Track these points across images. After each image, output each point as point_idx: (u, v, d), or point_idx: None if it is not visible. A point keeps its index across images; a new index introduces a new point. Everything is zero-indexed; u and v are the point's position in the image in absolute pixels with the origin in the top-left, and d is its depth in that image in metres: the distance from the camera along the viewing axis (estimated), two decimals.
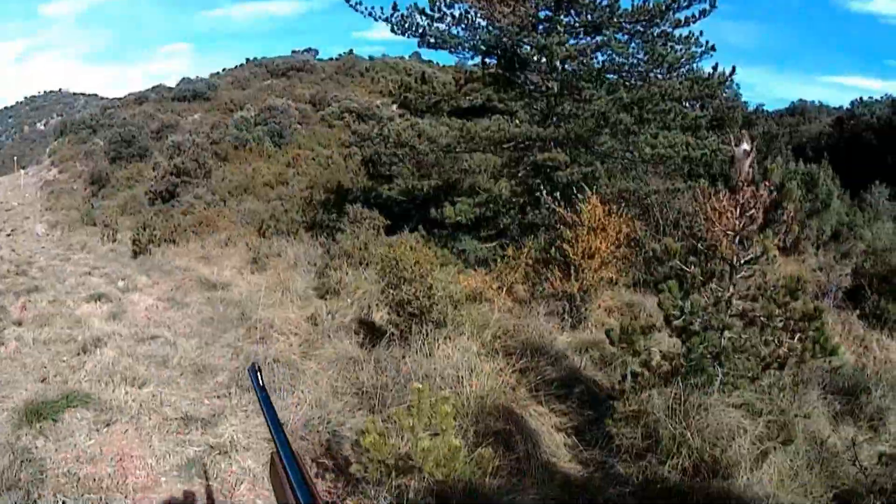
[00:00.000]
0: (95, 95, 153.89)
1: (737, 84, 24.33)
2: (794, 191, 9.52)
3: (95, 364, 10.72)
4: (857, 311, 15.09)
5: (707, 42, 19.20)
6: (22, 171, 64.64)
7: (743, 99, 33.02)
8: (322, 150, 36.67)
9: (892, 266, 15.60)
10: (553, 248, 15.21)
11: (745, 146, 9.19)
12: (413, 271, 11.79)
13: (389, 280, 12.14)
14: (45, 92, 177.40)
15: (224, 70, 76.31)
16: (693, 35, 19.19)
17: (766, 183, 9.10)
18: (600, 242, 14.35)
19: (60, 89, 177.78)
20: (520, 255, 15.84)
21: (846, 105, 43.77)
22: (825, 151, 28.40)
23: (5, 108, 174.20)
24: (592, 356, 12.09)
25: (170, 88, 69.11)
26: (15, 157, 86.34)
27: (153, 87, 73.22)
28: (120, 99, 78.50)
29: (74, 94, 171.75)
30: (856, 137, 35.37)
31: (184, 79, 71.33)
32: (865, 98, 41.76)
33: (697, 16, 18.92)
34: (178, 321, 14.41)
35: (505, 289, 15.07)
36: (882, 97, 41.12)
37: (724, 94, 22.97)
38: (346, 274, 16.17)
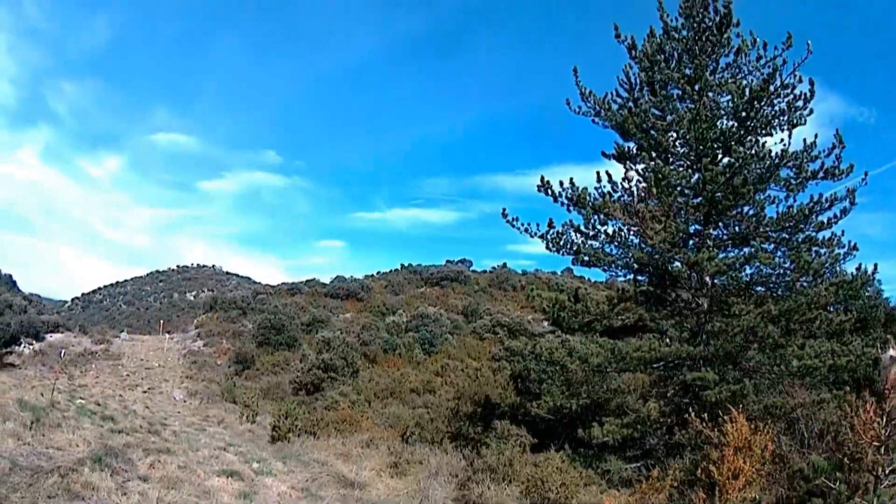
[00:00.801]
0: (248, 278, 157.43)
1: (879, 280, 23.96)
2: None
3: None
4: None
5: (850, 242, 19.32)
6: (167, 336, 65.86)
7: (885, 294, 32.35)
8: (471, 361, 36.80)
9: None
10: (698, 469, 15.13)
11: (893, 352, 9.15)
12: (559, 492, 11.82)
13: (533, 499, 12.15)
14: (197, 265, 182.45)
15: (378, 273, 77.70)
16: (836, 236, 19.34)
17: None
18: (745, 462, 14.24)
19: (214, 265, 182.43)
20: (665, 475, 15.75)
21: None
22: None
23: (157, 271, 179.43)
24: None
25: (323, 284, 70.45)
26: (161, 321, 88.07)
27: (307, 281, 74.85)
28: (273, 286, 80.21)
29: (228, 273, 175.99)
30: None
31: (337, 276, 72.89)
32: None
33: (839, 215, 19.05)
34: None
35: None
36: None
37: (867, 293, 22.61)
38: (489, 489, 15.99)
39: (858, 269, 19.20)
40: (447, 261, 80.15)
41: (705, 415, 15.68)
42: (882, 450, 9.21)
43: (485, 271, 75.83)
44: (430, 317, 46.05)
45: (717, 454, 14.36)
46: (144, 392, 37.96)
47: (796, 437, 18.22)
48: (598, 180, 20.12)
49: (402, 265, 78.74)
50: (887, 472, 9.20)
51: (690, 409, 16.84)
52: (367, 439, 22.37)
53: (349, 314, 56.95)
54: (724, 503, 13.88)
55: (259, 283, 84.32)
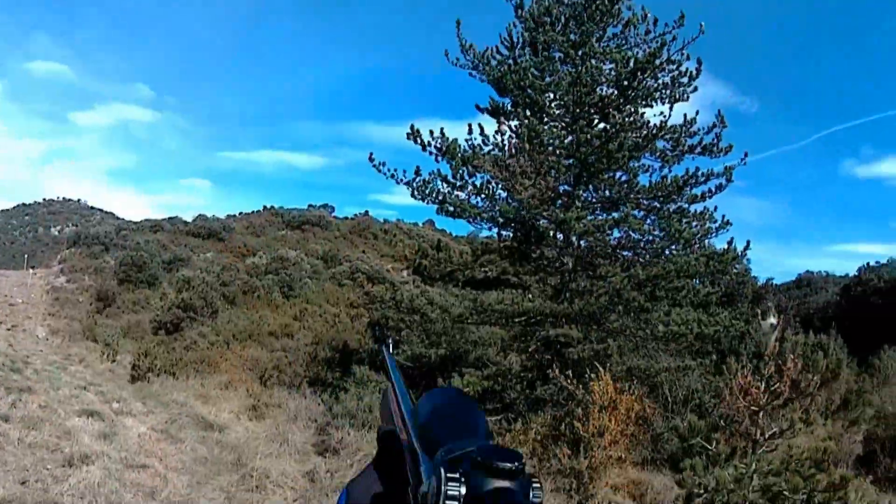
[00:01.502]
0: (112, 214, 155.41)
1: (747, 259, 24.38)
2: (820, 362, 9.57)
3: (80, 480, 10.46)
4: (871, 477, 14.89)
5: (723, 217, 19.46)
6: (31, 271, 64.73)
7: (752, 273, 33.07)
8: (330, 307, 36.68)
9: None
10: (563, 425, 15.11)
11: (773, 320, 9.19)
12: None
13: None
14: (63, 199, 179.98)
15: (241, 213, 77.17)
16: (708, 211, 19.47)
17: (793, 357, 9.06)
18: (611, 420, 14.26)
19: (80, 200, 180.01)
20: (528, 430, 15.70)
21: (852, 272, 44.14)
22: (833, 321, 28.47)
23: (24, 205, 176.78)
24: None
25: (185, 222, 69.65)
26: (26, 256, 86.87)
27: (169, 218, 73.84)
28: (136, 223, 79.09)
29: (92, 207, 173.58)
30: (863, 303, 35.74)
31: (200, 215, 72.07)
32: (872, 263, 42.13)
33: (713, 191, 19.22)
34: (170, 454, 14.02)
35: None
36: (888, 261, 41.48)
37: (735, 270, 22.91)
38: (349, 434, 15.85)
39: (730, 244, 19.34)
40: (310, 205, 79.65)
41: (569, 372, 15.67)
42: (760, 415, 9.17)
43: (346, 218, 75.38)
44: (290, 260, 45.77)
45: (582, 412, 14.33)
46: (8, 330, 36.91)
47: (660, 401, 18.40)
48: (470, 132, 19.80)
49: (265, 207, 77.79)
50: (766, 436, 9.15)
51: (554, 366, 16.88)
52: (225, 381, 22.18)
53: (210, 254, 56.42)
54: (590, 460, 13.86)
55: (123, 219, 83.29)
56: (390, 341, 2.70)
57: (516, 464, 1.58)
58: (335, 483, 12.90)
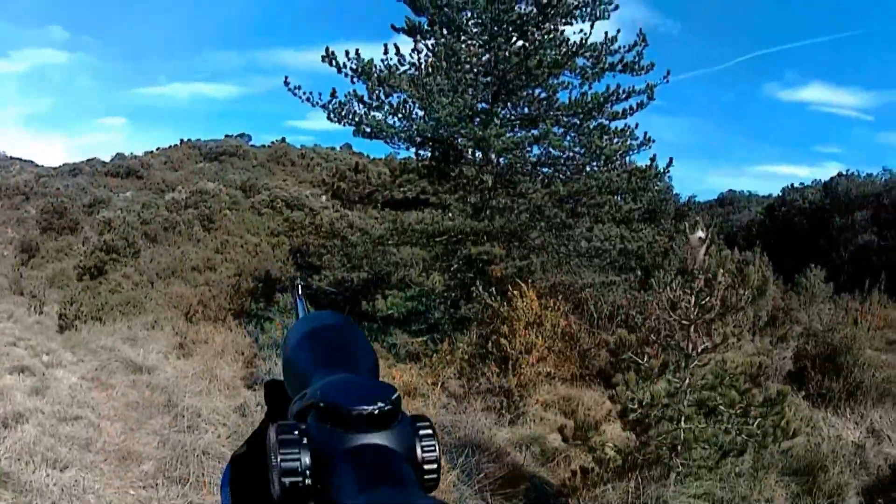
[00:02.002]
0: (32, 162, 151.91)
1: (669, 177, 24.55)
2: (751, 276, 9.54)
3: (16, 441, 10.28)
4: (802, 393, 15.33)
5: (645, 134, 19.42)
6: None
7: (675, 191, 33.28)
8: (251, 237, 36.51)
9: (833, 346, 15.74)
10: (489, 343, 15.10)
11: (701, 234, 9.14)
12: None
13: None
14: None
15: (158, 149, 75.96)
16: (629, 128, 19.38)
17: (723, 271, 9.05)
18: (537, 337, 14.28)
19: None
20: (454, 349, 15.69)
21: (775, 192, 44.44)
22: (757, 239, 28.73)
23: None
24: (534, 451, 12.07)
25: (104, 163, 68.68)
26: None
27: (88, 160, 72.72)
28: (55, 168, 77.83)
29: (11, 157, 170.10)
30: (788, 223, 36.05)
31: (118, 154, 70.98)
32: (796, 184, 42.44)
33: (634, 108, 19.13)
34: (102, 403, 13.87)
35: (440, 384, 14.88)
36: (812, 182, 41.78)
37: (657, 187, 22.99)
38: (276, 364, 15.76)
39: (652, 160, 19.42)
40: (226, 135, 78.40)
41: (492, 289, 15.66)
42: (691, 329, 9.15)
43: (264, 146, 74.54)
44: (209, 193, 45.39)
45: (507, 328, 14.33)
46: None
47: (585, 317, 18.44)
48: (385, 52, 19.49)
49: (182, 140, 76.66)
50: (699, 350, 9.14)
51: (477, 284, 16.94)
52: (151, 321, 22.01)
53: (129, 193, 55.81)
54: (519, 377, 13.88)
55: (42, 165, 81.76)
56: (299, 283, 2.00)
57: (381, 405, 1.05)
58: None
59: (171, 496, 9.49)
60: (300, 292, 1.83)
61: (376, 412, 1.03)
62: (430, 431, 1.09)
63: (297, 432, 1.02)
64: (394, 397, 1.07)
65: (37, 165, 74.87)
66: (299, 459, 0.99)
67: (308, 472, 0.99)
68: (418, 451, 1.07)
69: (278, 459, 0.99)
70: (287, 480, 0.97)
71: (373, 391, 1.08)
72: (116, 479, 10.11)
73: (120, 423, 12.53)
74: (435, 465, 1.07)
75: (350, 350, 1.36)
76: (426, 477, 1.06)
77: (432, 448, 1.07)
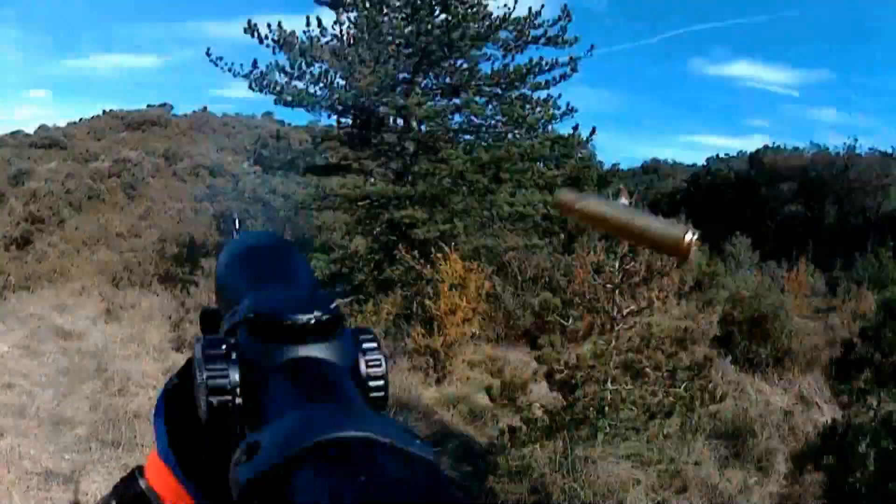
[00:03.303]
0: None
1: (593, 145, 24.72)
2: None
3: None
4: (729, 357, 15.64)
5: (567, 104, 19.66)
6: None
7: (598, 159, 33.54)
8: (174, 204, 36.28)
9: (760, 312, 16.07)
10: (414, 304, 15.31)
11: (624, 200, 9.29)
12: None
13: None
14: None
15: (81, 120, 74.66)
16: (552, 97, 19.62)
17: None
18: (461, 298, 14.49)
19: None
20: (379, 310, 15.88)
21: (701, 163, 44.75)
22: (682, 206, 29.10)
23: None
24: (461, 411, 12.28)
25: (28, 135, 67.62)
26: None
27: (12, 133, 71.60)
28: None
29: None
30: (713, 191, 36.45)
31: (41, 126, 69.92)
32: (722, 155, 42.85)
33: (557, 79, 19.47)
34: (33, 370, 13.98)
35: None
36: (738, 153, 42.22)
37: (580, 155, 23.24)
38: None
39: (575, 129, 19.72)
40: (148, 105, 77.34)
41: (415, 252, 15.87)
42: (616, 293, 9.41)
43: (185, 115, 73.64)
44: (131, 161, 44.97)
45: (432, 290, 14.55)
46: None
47: (509, 279, 18.69)
48: (308, 24, 19.54)
49: (104, 111, 75.30)
50: (624, 314, 9.40)
51: (400, 246, 17.16)
52: (79, 288, 21.90)
53: (53, 163, 54.96)
54: (444, 337, 14.12)
55: None
56: (235, 217, 1.71)
57: (318, 314, 0.94)
58: None
59: (105, 459, 9.63)
60: (237, 227, 1.69)
61: (313, 322, 0.93)
62: (374, 345, 0.98)
63: (224, 346, 0.90)
64: (332, 306, 0.96)
65: None
66: (227, 376, 0.88)
67: (237, 390, 0.88)
68: (362, 365, 0.96)
69: (204, 376, 0.88)
70: (214, 399, 0.87)
71: (309, 300, 0.97)
72: (51, 444, 10.23)
73: (52, 390, 12.62)
74: (382, 382, 0.96)
75: (286, 265, 1.28)
76: (372, 395, 0.96)
77: (378, 362, 0.97)
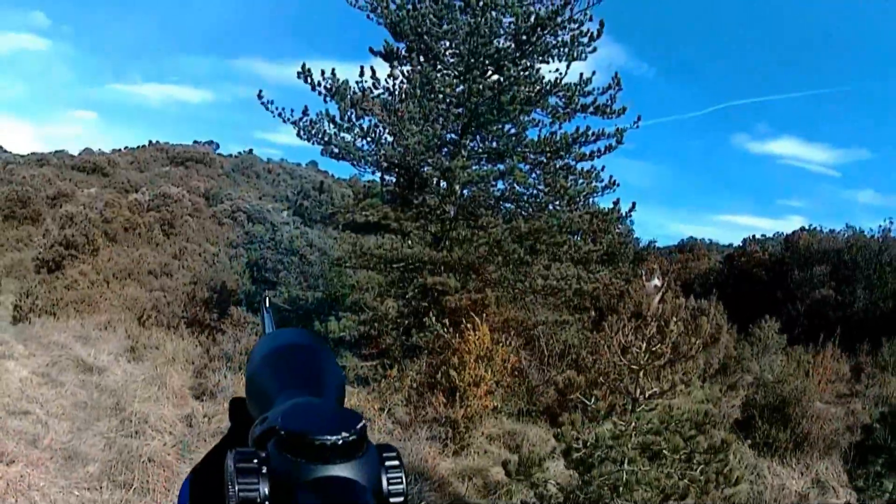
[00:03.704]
0: (1, 148, 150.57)
1: (631, 220, 24.76)
2: (704, 326, 9.63)
3: None
4: (749, 441, 15.63)
5: (610, 177, 19.57)
6: None
7: (635, 235, 33.49)
8: (209, 246, 36.40)
9: (782, 397, 15.96)
10: (439, 373, 15.20)
11: (657, 281, 9.24)
12: None
13: None
14: None
15: (126, 148, 75.32)
16: (595, 170, 19.55)
17: (676, 319, 9.15)
18: (486, 370, 14.39)
19: None
20: (403, 377, 15.79)
21: (736, 242, 44.67)
22: (715, 287, 28.95)
23: None
24: (476, 484, 12.19)
25: (71, 156, 68.07)
26: None
27: (55, 152, 72.21)
28: (23, 156, 77.18)
29: None
30: (746, 273, 36.33)
31: (86, 149, 70.55)
32: (758, 236, 42.74)
33: (602, 151, 19.30)
34: (51, 400, 13.95)
35: (386, 410, 14.98)
36: (774, 234, 42.08)
37: (618, 230, 23.20)
38: (225, 377, 15.84)
39: (615, 203, 19.58)
40: (195, 141, 77.68)
41: (445, 320, 15.77)
42: (641, 374, 9.30)
43: (231, 155, 73.98)
44: (172, 197, 45.16)
45: (458, 360, 14.44)
46: None
47: (536, 353, 18.56)
48: (361, 75, 19.52)
49: (150, 142, 75.93)
50: (647, 395, 9.29)
51: (430, 313, 17.05)
52: (105, 321, 21.94)
53: (94, 189, 55.35)
54: (465, 409, 13.99)
55: (10, 152, 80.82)
56: (267, 296, 2.01)
57: (346, 434, 0.99)
58: (213, 427, 12.96)
59: (115, 500, 9.59)
60: (268, 307, 1.82)
61: (340, 443, 0.98)
62: (396, 463, 1.04)
63: (256, 461, 0.97)
64: (359, 426, 1.01)
65: (5, 151, 73.88)
66: (258, 489, 0.95)
67: (267, 503, 0.95)
68: (384, 482, 1.02)
69: (236, 489, 0.95)
70: None
71: (337, 419, 1.02)
72: (61, 478, 10.18)
73: (67, 422, 12.61)
74: (401, 499, 1.02)
75: (316, 372, 1.32)
76: None
77: (398, 480, 1.02)
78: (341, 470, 0.98)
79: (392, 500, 1.01)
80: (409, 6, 19.61)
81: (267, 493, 0.95)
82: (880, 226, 34.48)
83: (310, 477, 0.97)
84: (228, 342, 18.08)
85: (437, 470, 12.52)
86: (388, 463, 1.03)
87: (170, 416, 13.69)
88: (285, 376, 1.26)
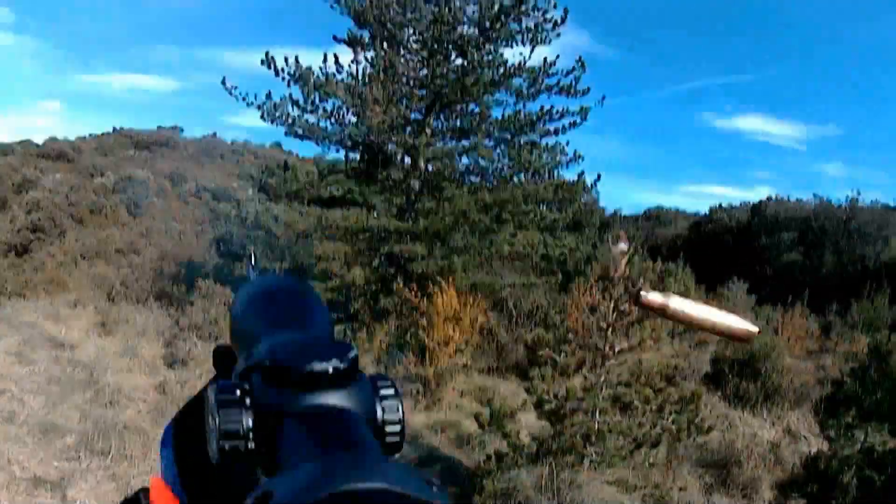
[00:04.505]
0: None
1: (596, 191, 24.93)
2: (670, 286, 9.87)
3: None
4: (719, 393, 15.99)
5: (575, 151, 19.87)
6: None
7: (601, 204, 33.66)
8: (176, 224, 36.29)
9: (752, 352, 16.15)
10: (408, 335, 15.40)
11: (623, 246, 9.43)
12: None
13: None
14: None
15: (90, 135, 74.64)
16: (560, 145, 19.85)
17: (643, 279, 9.38)
18: (455, 332, 14.59)
19: None
20: (373, 338, 15.98)
21: (704, 211, 44.81)
22: (682, 252, 29.22)
23: None
24: (449, 436, 12.35)
25: (37, 145, 67.52)
26: None
27: (21, 142, 71.61)
28: None
29: None
30: (713, 239, 36.58)
31: (51, 137, 69.97)
32: (724, 204, 42.94)
33: (567, 127, 19.65)
34: (25, 377, 13.98)
35: None
36: (741, 203, 42.29)
37: (584, 200, 23.36)
38: (195, 346, 15.99)
39: (580, 175, 19.84)
40: (158, 126, 77.11)
41: (413, 285, 15.95)
42: (609, 331, 9.52)
43: (195, 139, 73.55)
44: (137, 179, 44.99)
45: (427, 321, 14.67)
46: None
47: (504, 314, 18.78)
48: (325, 61, 19.75)
49: (115, 128, 75.18)
50: (616, 351, 9.52)
51: (397, 278, 17.47)
52: (74, 299, 21.91)
53: (59, 175, 54.95)
54: (436, 367, 14.22)
55: None
56: (251, 253, 1.82)
57: (336, 362, 0.93)
58: (186, 393, 13.03)
59: (94, 468, 9.66)
60: (254, 263, 1.74)
61: (330, 371, 0.92)
62: (392, 391, 0.97)
63: (238, 391, 0.90)
64: (350, 355, 0.94)
65: None
66: (241, 421, 0.88)
67: (250, 435, 0.88)
68: (379, 411, 0.95)
69: (217, 422, 0.88)
70: (226, 444, 0.87)
71: (326, 349, 0.95)
72: (40, 451, 10.26)
73: (42, 398, 12.64)
74: (398, 427, 0.95)
75: (302, 310, 1.24)
76: (388, 440, 0.95)
77: (395, 408, 0.95)
78: (332, 398, 0.92)
79: (388, 427, 0.95)
80: None
81: (251, 424, 0.88)
82: (847, 195, 34.82)
83: (298, 407, 0.90)
84: (198, 313, 18.09)
85: (409, 424, 12.65)
86: (382, 392, 0.96)
87: (143, 384, 13.80)
88: (270, 316, 1.17)
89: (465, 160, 20.64)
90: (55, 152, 61.53)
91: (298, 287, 1.33)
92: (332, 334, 1.22)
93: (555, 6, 19.12)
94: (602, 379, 9.57)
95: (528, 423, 10.61)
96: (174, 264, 25.38)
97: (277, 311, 1.19)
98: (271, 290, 1.30)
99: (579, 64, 19.62)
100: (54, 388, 13.37)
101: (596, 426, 9.36)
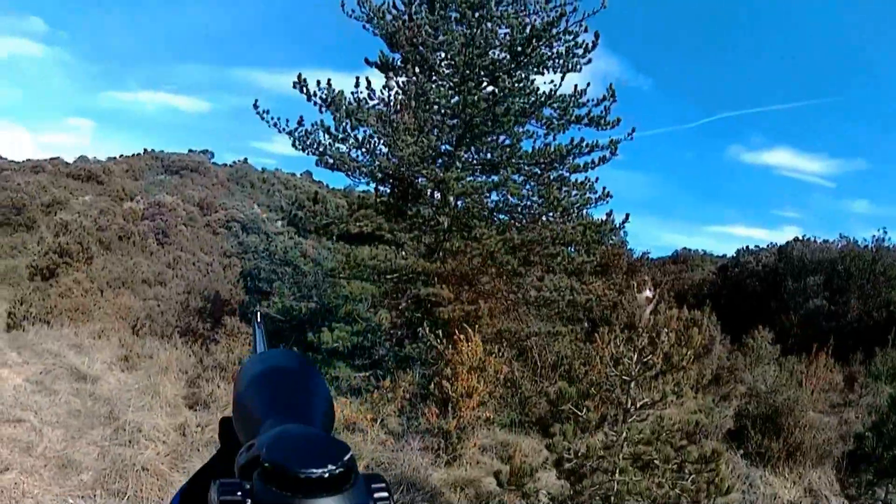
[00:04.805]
0: None
1: (625, 231, 24.81)
2: (696, 337, 9.68)
3: None
4: (741, 451, 15.66)
5: (604, 189, 19.54)
6: None
7: (629, 246, 33.48)
8: (203, 255, 36.38)
9: (775, 407, 16.03)
10: (431, 384, 15.25)
11: (648, 293, 9.36)
12: None
13: None
14: None
15: (121, 156, 75.02)
16: (589, 181, 19.56)
17: (668, 331, 9.22)
18: (479, 382, 14.43)
19: None
20: (396, 387, 15.83)
21: (730, 253, 44.63)
22: (708, 298, 29.00)
23: None
24: (468, 494, 12.23)
25: (67, 164, 67.91)
26: None
27: (51, 159, 71.94)
28: (18, 163, 76.88)
29: None
30: (740, 284, 36.34)
31: (81, 157, 70.42)
32: (751, 246, 42.71)
33: (596, 162, 19.35)
34: (45, 408, 13.95)
35: (379, 420, 15.01)
36: (768, 245, 42.03)
37: (612, 241, 23.26)
38: (218, 387, 15.88)
39: (608, 215, 19.59)
40: (189, 150, 77.43)
41: (438, 331, 15.80)
42: (632, 385, 9.37)
43: (226, 165, 73.65)
44: (166, 206, 45.11)
45: (450, 371, 14.49)
46: None
47: (529, 364, 18.59)
48: (357, 85, 19.75)
49: (145, 150, 75.60)
50: (638, 406, 9.36)
51: (423, 324, 17.11)
52: (98, 330, 21.96)
53: (88, 197, 55.23)
54: (458, 420, 14.04)
55: (5, 158, 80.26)
56: (259, 311, 2.10)
57: (331, 467, 0.96)
58: (206, 437, 12.98)
59: None
60: (260, 321, 1.80)
61: (327, 476, 0.95)
62: (385, 494, 1.01)
63: (239, 493, 0.94)
64: (346, 458, 0.98)
65: (1, 158, 73.40)
66: None
67: None
68: None
69: None
70: None
71: (324, 451, 0.98)
72: (55, 485, 10.22)
73: (61, 430, 12.62)
74: None
75: (304, 397, 1.29)
76: None
77: None
78: (328, 503, 0.94)
79: None
80: (405, 17, 19.70)
81: None
82: (874, 235, 34.44)
83: None
84: (222, 352, 18.08)
85: (429, 480, 12.55)
86: (376, 495, 1.01)
87: (163, 425, 13.69)
88: (272, 401, 1.24)
89: (493, 196, 20.52)
90: (86, 173, 61.75)
91: (300, 368, 1.39)
92: (332, 422, 1.31)
93: (585, 30, 18.99)
94: (623, 436, 9.42)
95: (549, 482, 10.52)
96: (200, 298, 25.36)
97: (280, 397, 1.27)
98: (275, 371, 1.36)
99: (609, 92, 19.50)
100: (74, 422, 13.36)
101: (615, 486, 9.21)
